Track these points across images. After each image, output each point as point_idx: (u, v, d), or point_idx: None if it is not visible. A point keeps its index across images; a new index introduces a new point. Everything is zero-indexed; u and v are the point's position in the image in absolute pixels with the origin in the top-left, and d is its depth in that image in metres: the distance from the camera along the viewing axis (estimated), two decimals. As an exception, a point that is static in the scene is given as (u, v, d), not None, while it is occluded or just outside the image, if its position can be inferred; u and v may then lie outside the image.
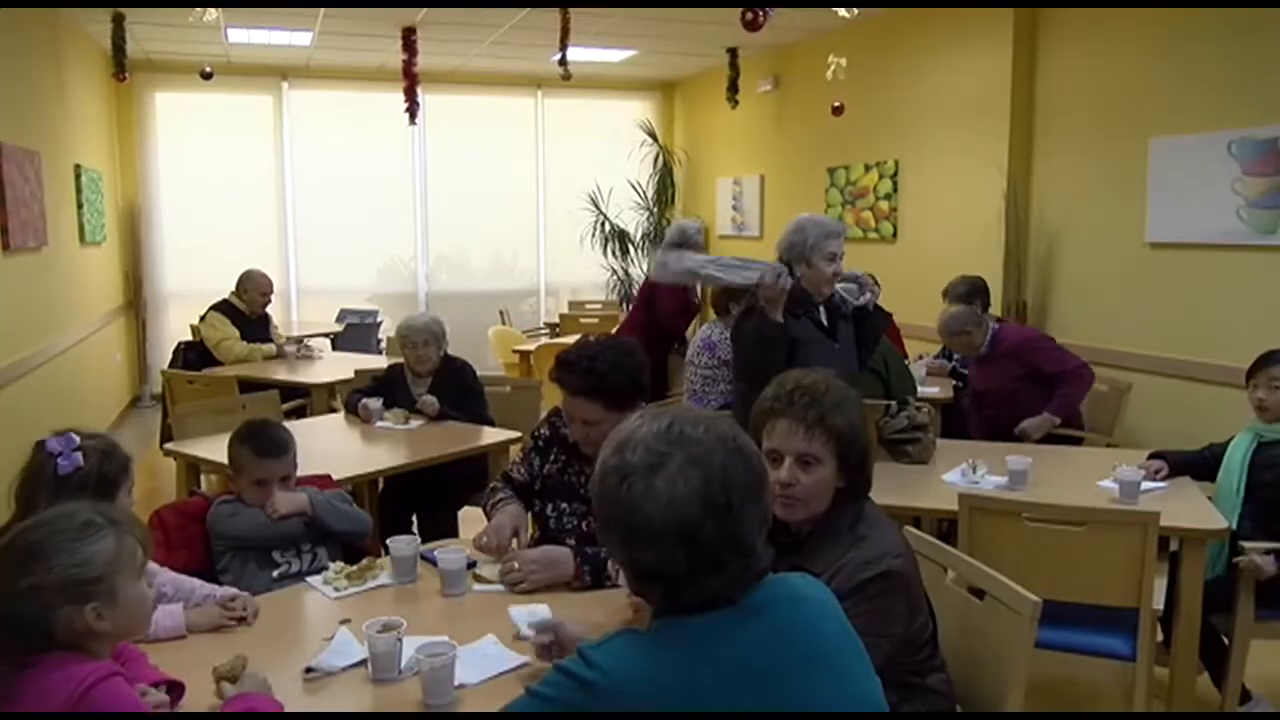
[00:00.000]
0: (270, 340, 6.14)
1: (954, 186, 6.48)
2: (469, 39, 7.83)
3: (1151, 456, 3.40)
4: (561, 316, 8.43)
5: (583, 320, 8.16)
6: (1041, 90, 5.95)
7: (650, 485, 1.30)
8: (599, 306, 9.03)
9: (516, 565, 2.37)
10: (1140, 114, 5.27)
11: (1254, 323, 4.65)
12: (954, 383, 5.31)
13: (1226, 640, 3.06)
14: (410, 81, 7.83)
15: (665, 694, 1.27)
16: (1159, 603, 2.78)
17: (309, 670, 1.92)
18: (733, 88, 8.48)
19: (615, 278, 9.97)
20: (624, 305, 9.73)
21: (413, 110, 7.97)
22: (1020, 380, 4.41)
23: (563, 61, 7.07)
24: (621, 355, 2.56)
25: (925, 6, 6.42)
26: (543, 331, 8.88)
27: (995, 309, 5.61)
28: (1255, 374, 3.22)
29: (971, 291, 5.27)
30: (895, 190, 7.02)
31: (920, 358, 5.53)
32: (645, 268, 10.06)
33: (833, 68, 5.59)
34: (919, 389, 4.75)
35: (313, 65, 9.02)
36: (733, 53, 8.36)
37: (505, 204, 10.02)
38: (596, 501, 1.37)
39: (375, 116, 9.13)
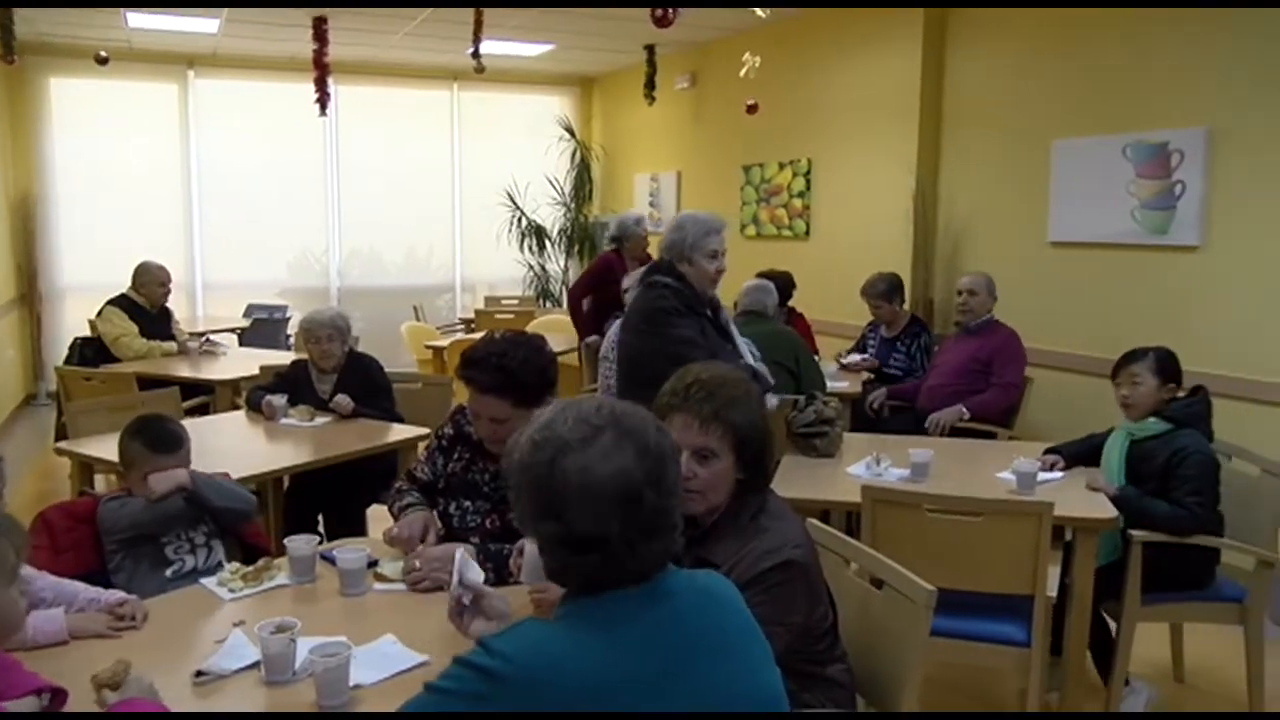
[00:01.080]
0: (172, 336, 5.95)
1: (865, 185, 6.59)
2: (382, 30, 7.70)
3: (1048, 452, 3.51)
4: (477, 312, 8.35)
5: (498, 316, 8.10)
6: (949, 92, 6.09)
7: (586, 454, 1.30)
8: (515, 302, 8.97)
9: (418, 564, 2.34)
10: (1043, 117, 5.44)
11: (1146, 319, 4.83)
12: (869, 376, 5.41)
13: (1113, 624, 3.16)
14: (321, 72, 7.66)
15: (572, 678, 1.25)
16: (1053, 590, 2.87)
17: (199, 674, 1.86)
18: (650, 84, 8.50)
19: (532, 273, 9.92)
20: (541, 301, 9.69)
21: (323, 101, 7.80)
22: (979, 363, 4.73)
23: (476, 54, 7.00)
24: (531, 351, 2.54)
25: (834, 6, 6.51)
26: (458, 327, 8.78)
27: (905, 306, 5.73)
28: (1118, 372, 3.33)
29: (891, 289, 5.39)
30: (808, 188, 7.12)
31: (840, 357, 5.62)
32: (562, 264, 10.04)
33: (747, 66, 5.64)
34: (829, 384, 4.85)
35: (220, 54, 8.77)
36: (650, 50, 8.38)
37: (421, 198, 9.89)
38: (520, 473, 1.35)
39: (286, 108, 8.93)
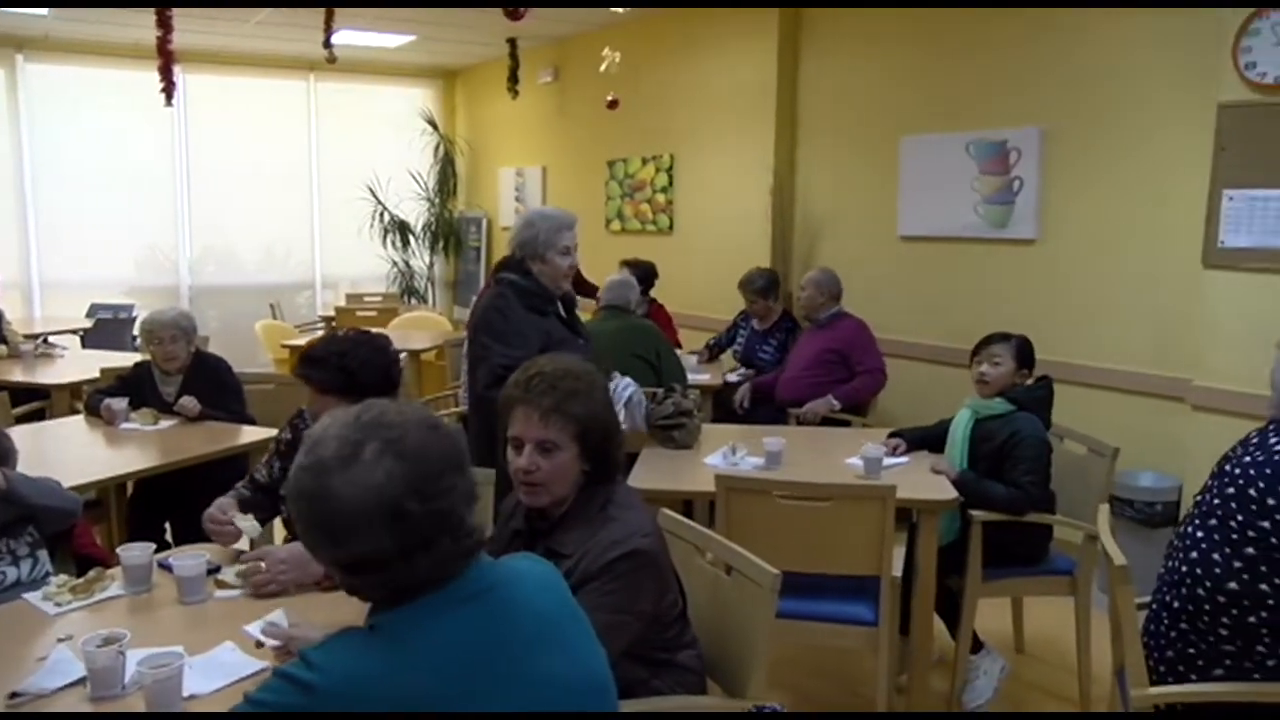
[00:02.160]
0: (2, 338, 5.60)
1: (726, 181, 6.70)
2: (232, 17, 7.40)
3: (891, 435, 3.67)
4: (338, 310, 8.14)
5: (360, 314, 7.91)
6: (804, 91, 6.25)
7: (347, 475, 1.27)
8: (379, 299, 8.77)
9: (263, 565, 2.26)
10: (892, 115, 5.64)
11: (989, 309, 5.06)
12: (729, 369, 5.51)
13: (957, 597, 3.32)
14: (166, 60, 7.28)
15: (380, 690, 1.24)
16: (899, 570, 2.99)
17: (14, 695, 1.76)
18: (513, 78, 8.43)
19: (396, 269, 9.72)
20: (405, 298, 9.52)
21: (169, 91, 7.41)
22: (833, 354, 4.85)
23: (328, 45, 6.79)
24: (374, 351, 2.47)
25: (687, 6, 6.59)
26: (318, 325, 8.54)
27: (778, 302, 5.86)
28: (980, 351, 3.51)
29: (769, 285, 5.49)
30: (671, 184, 7.20)
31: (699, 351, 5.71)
32: (427, 259, 9.88)
33: (607, 62, 5.66)
34: (691, 377, 4.93)
35: (53, 38, 8.27)
36: (512, 43, 8.31)
37: (278, 193, 9.54)
38: (293, 504, 1.32)
39: (131, 97, 8.47)
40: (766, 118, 6.29)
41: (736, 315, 5.75)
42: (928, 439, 3.66)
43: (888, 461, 3.36)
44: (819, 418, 4.67)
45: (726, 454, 3.42)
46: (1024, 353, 3.45)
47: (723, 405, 5.23)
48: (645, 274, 5.74)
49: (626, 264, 5.76)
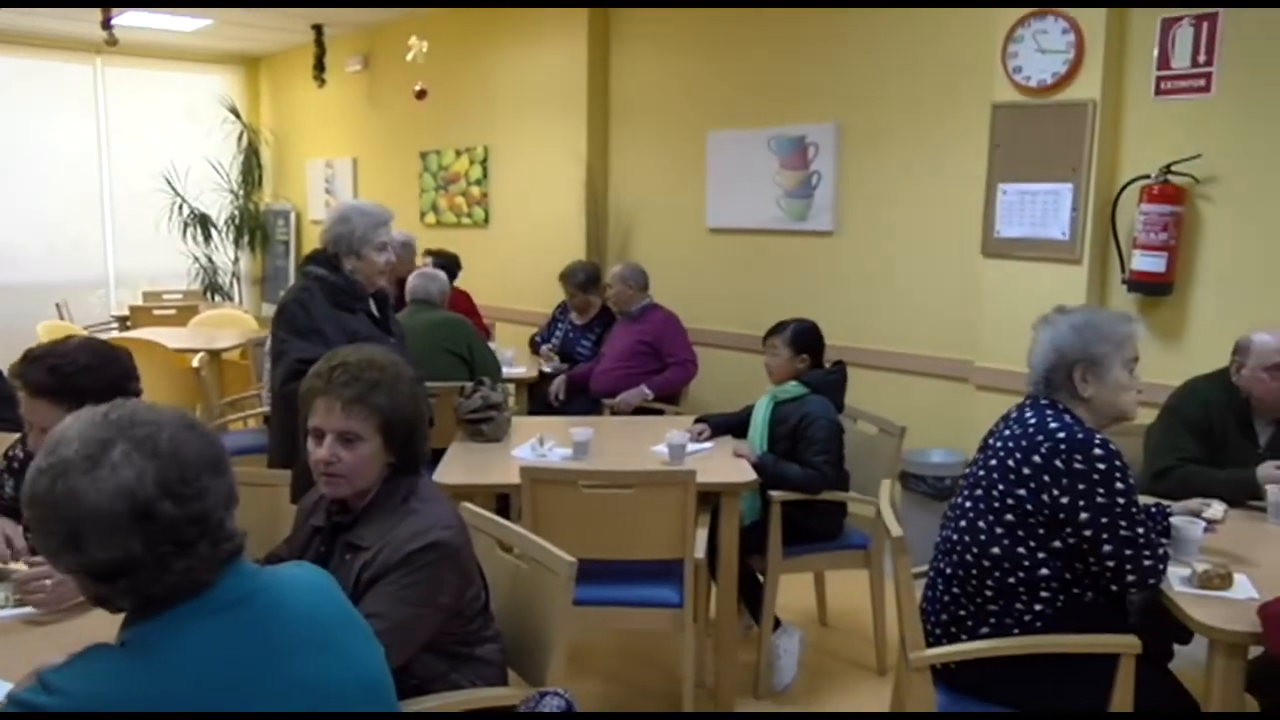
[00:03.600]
0: None
1: (541, 174, 6.70)
2: (1, -7, 6.84)
3: (697, 420, 3.78)
4: (133, 309, 7.65)
5: (157, 312, 7.46)
6: (615, 84, 6.32)
7: (93, 475, 1.19)
8: (179, 297, 8.30)
9: (47, 580, 2.09)
10: (699, 110, 5.78)
11: (792, 299, 5.26)
12: (548, 363, 5.52)
13: (761, 577, 3.45)
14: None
15: (131, 710, 1.17)
16: (701, 552, 3.08)
17: None
18: (319, 66, 8.15)
19: (198, 265, 9.23)
20: (209, 295, 9.06)
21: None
22: (645, 346, 4.95)
23: (106, 25, 6.35)
24: (96, 357, 2.29)
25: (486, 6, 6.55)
26: (111, 326, 8.00)
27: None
28: (764, 342, 3.67)
29: (590, 279, 5.50)
30: (486, 176, 7.14)
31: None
32: (232, 254, 9.43)
33: (414, 51, 5.54)
34: (505, 370, 4.91)
35: None
36: (318, 29, 8.03)
37: (63, 184, 8.88)
38: (28, 508, 1.22)
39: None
40: (578, 110, 6.33)
41: (555, 309, 5.76)
42: (732, 424, 3.78)
43: (692, 448, 3.45)
44: (631, 408, 4.75)
45: (535, 446, 3.43)
46: (798, 339, 3.60)
47: (539, 398, 5.24)
48: (449, 265, 5.68)
49: (430, 254, 5.68)
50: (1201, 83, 3.91)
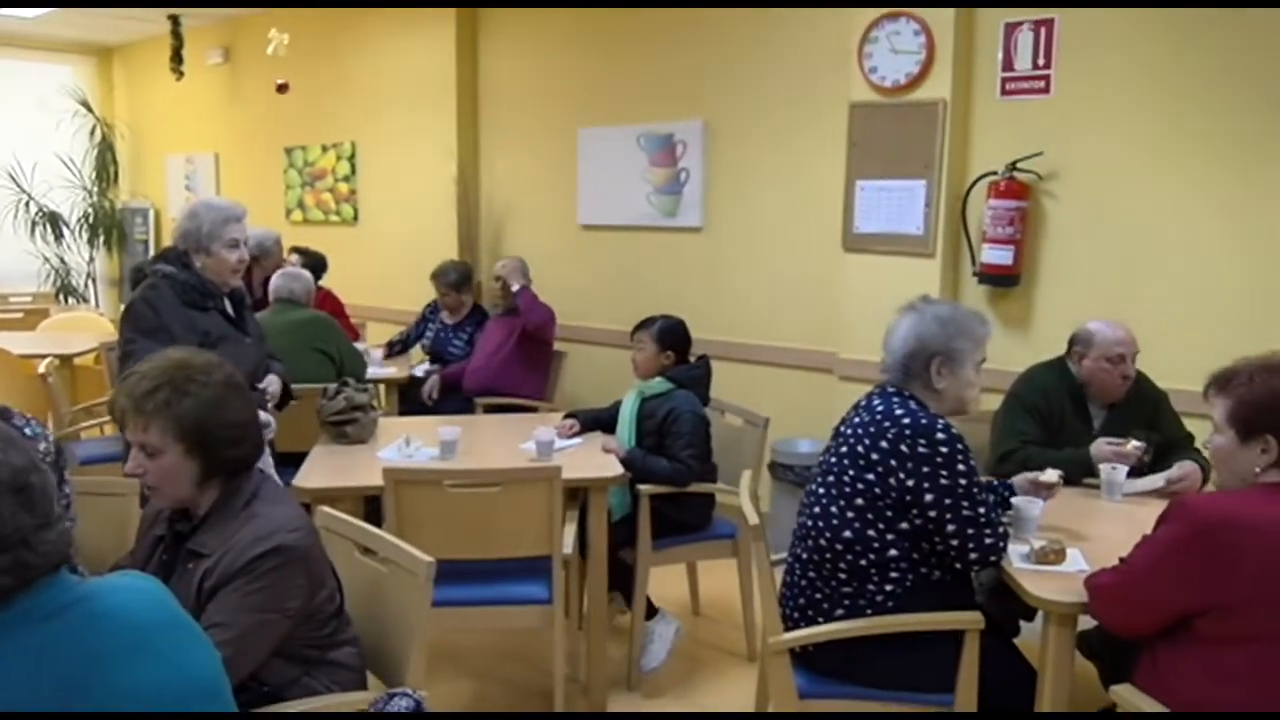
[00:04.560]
0: None
1: (410, 170, 6.60)
2: None
3: (566, 416, 3.79)
4: (-26, 313, 7.23)
5: (3, 315, 7.07)
6: (484, 79, 6.27)
7: None
8: (28, 300, 7.87)
9: None
10: (571, 106, 5.78)
11: (663, 295, 5.31)
12: (417, 362, 5.45)
13: (632, 569, 3.49)
14: None
15: None
16: (570, 548, 3.09)
17: None
18: (177, 58, 7.80)
19: (49, 266, 8.77)
20: (61, 297, 8.62)
21: None
22: (520, 339, 4.94)
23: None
24: None
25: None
26: (-50, 331, 7.53)
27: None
28: (632, 336, 3.71)
29: (462, 279, 5.44)
30: (354, 172, 6.99)
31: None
32: (86, 254, 8.99)
33: (274, 43, 5.37)
34: (375, 371, 4.85)
35: None
36: (175, 20, 7.70)
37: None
38: None
39: None
40: (448, 107, 6.25)
41: (425, 308, 5.68)
42: (602, 420, 3.80)
43: (560, 444, 3.46)
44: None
45: (401, 446, 3.39)
46: (664, 336, 3.64)
47: (412, 399, 5.16)
48: (316, 263, 5.56)
49: (296, 251, 5.54)
50: (1041, 84, 4.11)
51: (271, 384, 3.25)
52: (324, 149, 7.15)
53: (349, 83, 6.87)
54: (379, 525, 2.50)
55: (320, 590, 1.98)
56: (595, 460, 3.38)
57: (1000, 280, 4.20)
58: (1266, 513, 1.85)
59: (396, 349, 5.61)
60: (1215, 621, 1.87)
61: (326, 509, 2.34)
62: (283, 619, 1.88)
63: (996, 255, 4.13)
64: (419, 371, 5.24)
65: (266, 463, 3.09)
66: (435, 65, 6.28)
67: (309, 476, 3.15)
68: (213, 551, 1.88)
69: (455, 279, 5.41)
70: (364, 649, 2.13)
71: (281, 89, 6.07)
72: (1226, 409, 2.02)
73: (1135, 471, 3.01)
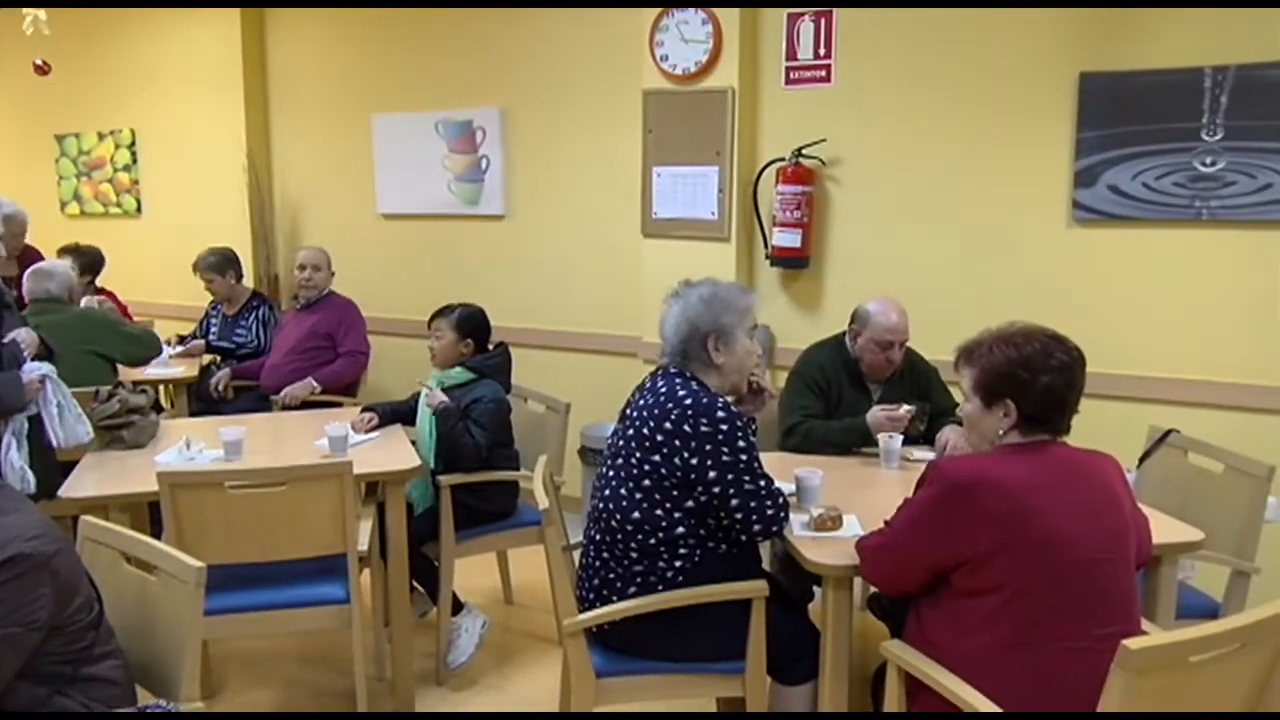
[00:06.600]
0: None
1: (198, 159, 6.25)
2: None
3: (364, 410, 3.69)
4: None
5: None
6: (273, 65, 6.00)
7: None
8: None
9: None
10: (365, 92, 5.62)
11: (467, 283, 5.25)
12: (209, 360, 5.19)
13: (437, 563, 3.44)
14: None
15: None
16: (366, 544, 3.02)
17: None
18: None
19: None
20: None
21: None
22: (319, 337, 4.79)
23: None
24: None
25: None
26: None
27: (249, 282, 5.58)
28: (429, 324, 3.65)
29: (224, 262, 5.17)
30: (135, 161, 6.56)
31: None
32: None
33: (29, 19, 4.95)
34: (160, 371, 4.60)
35: None
36: (-83, -6, 7.00)
37: None
38: None
39: None
40: (235, 93, 5.95)
41: (209, 303, 5.40)
42: (402, 412, 3.73)
43: (355, 438, 3.37)
44: (299, 401, 4.56)
45: (182, 449, 3.21)
46: (463, 324, 3.60)
47: (204, 397, 4.91)
48: (92, 261, 5.20)
49: (67, 251, 5.14)
50: (823, 73, 4.30)
51: (19, 335, 3.18)
52: (100, 136, 6.67)
53: (124, 66, 6.43)
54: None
55: (73, 600, 1.87)
56: (392, 453, 3.30)
57: (791, 263, 4.37)
58: (1007, 473, 2.01)
59: (190, 339, 5.31)
60: (966, 575, 2.02)
61: (90, 519, 2.20)
62: (28, 632, 1.76)
63: (786, 239, 4.29)
64: (212, 369, 4.98)
65: (11, 461, 2.90)
66: (219, 49, 5.96)
67: (77, 485, 2.94)
68: None
69: (214, 262, 5.13)
70: (134, 662, 2.02)
71: (41, 71, 5.57)
72: (972, 378, 2.18)
73: (913, 440, 3.20)
